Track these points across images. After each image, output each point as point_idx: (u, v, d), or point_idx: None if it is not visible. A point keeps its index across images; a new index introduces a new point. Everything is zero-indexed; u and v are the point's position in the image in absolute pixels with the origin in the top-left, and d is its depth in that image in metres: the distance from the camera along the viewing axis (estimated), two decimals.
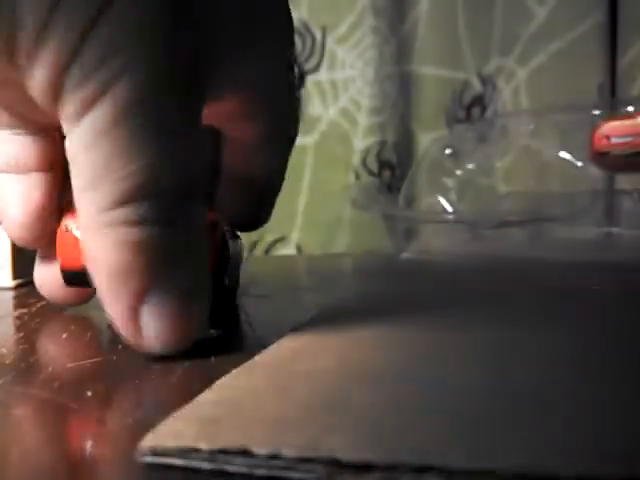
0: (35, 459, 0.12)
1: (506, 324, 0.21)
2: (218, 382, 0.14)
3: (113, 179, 0.15)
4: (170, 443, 0.11)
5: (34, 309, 0.27)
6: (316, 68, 0.60)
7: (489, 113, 0.60)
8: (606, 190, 0.44)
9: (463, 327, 0.21)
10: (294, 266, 0.51)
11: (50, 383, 0.16)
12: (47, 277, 0.22)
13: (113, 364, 0.19)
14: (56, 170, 0.20)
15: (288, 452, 0.10)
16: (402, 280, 0.33)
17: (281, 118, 0.22)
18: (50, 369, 0.18)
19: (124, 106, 0.15)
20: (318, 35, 0.60)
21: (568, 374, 0.15)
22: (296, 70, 0.59)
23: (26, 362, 0.18)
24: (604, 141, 0.36)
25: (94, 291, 0.18)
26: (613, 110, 0.39)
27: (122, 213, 0.15)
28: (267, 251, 0.60)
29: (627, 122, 0.36)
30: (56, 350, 0.20)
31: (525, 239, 0.37)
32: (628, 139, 0.35)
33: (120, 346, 0.20)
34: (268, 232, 0.59)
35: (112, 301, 0.16)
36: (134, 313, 0.16)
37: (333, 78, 0.60)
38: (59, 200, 0.21)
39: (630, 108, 0.37)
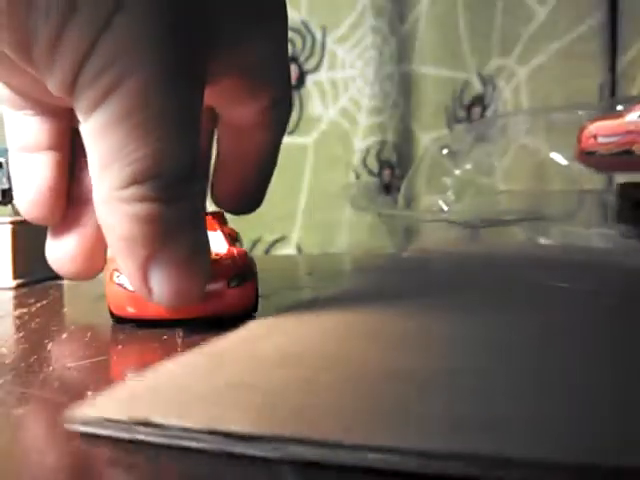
0: (35, 459, 0.12)
1: (490, 320, 0.21)
2: (160, 364, 0.16)
3: (123, 164, 0.17)
4: (93, 414, 0.12)
5: (34, 309, 0.27)
6: (316, 68, 0.60)
7: (489, 113, 0.60)
8: (604, 190, 0.44)
9: (442, 320, 0.21)
10: (294, 266, 0.51)
11: (50, 383, 0.16)
12: (57, 253, 0.23)
13: (113, 364, 0.19)
14: (64, 150, 0.22)
15: (189, 424, 0.11)
16: (397, 277, 0.33)
17: (277, 100, 0.23)
18: (50, 369, 0.18)
19: (130, 101, 0.16)
20: (318, 35, 0.60)
21: (547, 370, 0.15)
22: (296, 71, 0.59)
23: (26, 362, 0.18)
24: (591, 141, 0.36)
25: (102, 268, 0.23)
26: (610, 110, 0.39)
27: (131, 191, 0.17)
28: (267, 251, 0.60)
29: (614, 122, 0.36)
30: (56, 350, 0.20)
31: (524, 238, 0.37)
32: (614, 139, 0.35)
33: (120, 346, 0.21)
34: (268, 232, 0.59)
35: (124, 264, 0.19)
36: (144, 274, 0.18)
37: (333, 78, 0.60)
38: (68, 181, 0.22)
39: (619, 107, 0.37)
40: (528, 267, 0.30)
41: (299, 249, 0.60)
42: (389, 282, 0.32)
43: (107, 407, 0.13)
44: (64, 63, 0.16)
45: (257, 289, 0.24)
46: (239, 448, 0.11)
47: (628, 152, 0.35)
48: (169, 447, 0.12)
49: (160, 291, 0.19)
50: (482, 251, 0.36)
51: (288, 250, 0.60)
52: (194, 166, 0.18)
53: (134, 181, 0.17)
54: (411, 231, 0.42)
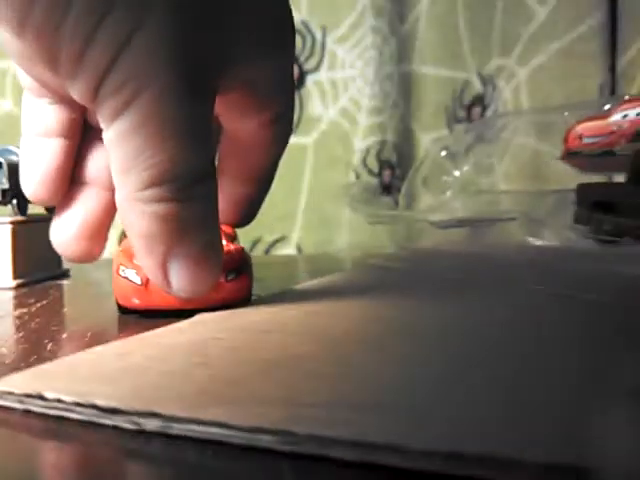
0: (35, 459, 0.12)
1: (461, 317, 0.22)
2: (92, 348, 0.18)
3: (141, 168, 0.18)
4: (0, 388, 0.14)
5: (34, 309, 0.27)
6: (316, 68, 0.60)
7: (489, 113, 0.60)
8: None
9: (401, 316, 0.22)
10: (294, 266, 0.51)
11: None
12: (61, 236, 0.24)
13: None
14: (75, 139, 0.23)
15: (67, 398, 0.13)
16: (389, 277, 0.34)
17: (280, 115, 0.24)
18: None
19: (147, 112, 0.18)
20: (318, 35, 0.60)
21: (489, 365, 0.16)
22: (296, 71, 0.59)
23: (26, 362, 0.18)
24: (577, 141, 0.36)
25: (102, 251, 0.24)
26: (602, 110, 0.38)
27: (150, 193, 0.19)
28: (267, 251, 0.60)
29: (599, 122, 0.36)
30: (56, 350, 0.20)
31: (521, 239, 0.37)
32: (598, 139, 0.35)
33: None
34: (268, 232, 0.59)
35: (145, 259, 0.20)
36: (163, 268, 0.20)
37: (333, 78, 0.60)
38: (72, 166, 0.24)
39: (607, 106, 0.37)
40: (516, 268, 0.30)
41: (299, 249, 0.60)
42: (357, 280, 0.32)
43: (14, 383, 0.15)
44: (87, 76, 0.18)
45: (251, 281, 0.26)
46: (101, 419, 0.13)
47: (610, 153, 0.35)
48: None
49: (178, 283, 0.20)
50: (480, 251, 0.36)
51: (288, 250, 0.60)
52: (207, 169, 0.20)
53: (152, 184, 0.19)
54: (411, 231, 0.42)
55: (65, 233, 0.24)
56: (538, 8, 0.58)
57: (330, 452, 0.11)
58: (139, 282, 0.23)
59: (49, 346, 0.21)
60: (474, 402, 0.12)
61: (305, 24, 0.59)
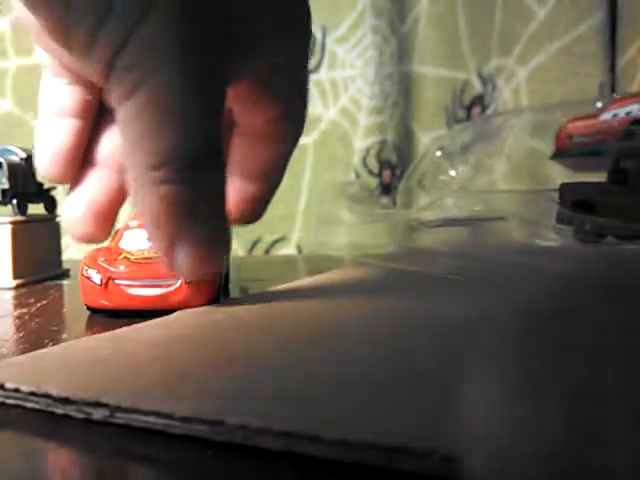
0: (35, 459, 0.12)
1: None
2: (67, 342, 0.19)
3: (146, 150, 0.19)
4: None
5: (34, 309, 0.27)
6: (316, 68, 0.60)
7: (489, 113, 0.60)
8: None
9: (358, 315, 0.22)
10: (294, 266, 0.51)
11: None
12: (70, 215, 0.24)
13: None
14: (88, 120, 0.24)
15: (25, 388, 0.14)
16: (378, 276, 0.34)
17: (289, 113, 0.24)
18: None
19: (153, 96, 0.19)
20: (318, 35, 0.60)
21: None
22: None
23: None
24: (567, 141, 0.36)
25: (109, 234, 0.25)
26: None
27: (157, 174, 0.19)
28: (267, 251, 0.60)
29: (589, 122, 0.36)
30: None
31: (516, 239, 0.37)
32: (587, 139, 0.35)
33: None
34: (268, 232, 0.59)
35: (153, 239, 0.21)
36: (170, 249, 0.20)
37: (333, 78, 0.60)
38: (85, 146, 0.24)
39: (599, 104, 0.37)
40: (507, 268, 0.30)
41: (299, 249, 0.60)
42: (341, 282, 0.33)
43: None
44: (98, 60, 0.19)
45: (219, 283, 0.26)
46: (54, 408, 0.14)
47: (598, 152, 0.35)
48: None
49: (181, 265, 0.21)
50: (477, 251, 0.36)
51: (288, 250, 0.60)
52: (210, 155, 0.20)
53: (155, 165, 0.19)
54: (410, 230, 0.42)
55: (74, 211, 0.24)
56: (538, 8, 0.58)
57: (257, 442, 0.11)
58: (99, 282, 0.24)
59: (49, 346, 0.21)
60: (373, 398, 0.13)
61: None
